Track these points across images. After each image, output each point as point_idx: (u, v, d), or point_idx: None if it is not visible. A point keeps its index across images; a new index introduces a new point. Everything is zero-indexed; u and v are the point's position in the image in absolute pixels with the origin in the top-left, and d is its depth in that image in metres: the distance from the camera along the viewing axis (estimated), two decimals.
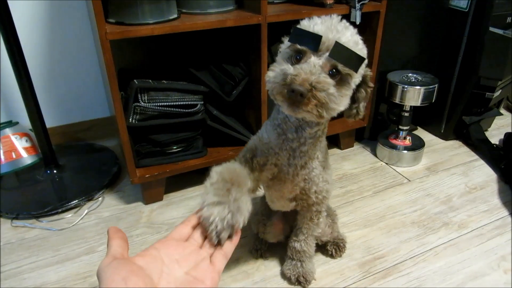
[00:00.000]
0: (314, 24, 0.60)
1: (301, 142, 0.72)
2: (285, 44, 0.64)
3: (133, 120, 1.09)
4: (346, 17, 1.19)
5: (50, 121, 1.45)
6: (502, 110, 1.79)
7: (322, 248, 1.02)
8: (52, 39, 1.37)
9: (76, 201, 1.20)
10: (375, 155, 1.47)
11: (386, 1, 1.23)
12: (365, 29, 1.31)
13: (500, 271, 0.97)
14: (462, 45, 1.38)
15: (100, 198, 1.24)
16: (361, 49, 0.61)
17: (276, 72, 0.60)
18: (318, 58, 0.58)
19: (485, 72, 1.38)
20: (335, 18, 0.61)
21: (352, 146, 1.53)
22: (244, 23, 1.07)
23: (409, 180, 1.33)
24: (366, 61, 0.64)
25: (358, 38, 0.61)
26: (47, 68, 1.41)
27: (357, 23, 1.19)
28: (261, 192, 0.90)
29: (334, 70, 0.59)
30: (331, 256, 1.01)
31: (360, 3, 1.19)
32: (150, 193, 1.21)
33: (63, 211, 1.18)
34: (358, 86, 0.66)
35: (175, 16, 1.04)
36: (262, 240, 1.02)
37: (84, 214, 1.18)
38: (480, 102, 1.46)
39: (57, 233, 1.11)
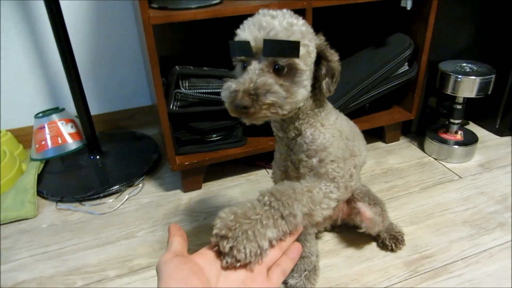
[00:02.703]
0: (242, 31, 0.60)
1: (294, 134, 0.72)
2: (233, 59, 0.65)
3: (174, 107, 1.08)
4: (396, 1, 1.13)
5: (94, 109, 1.48)
6: None
7: (379, 242, 0.99)
8: (97, 27, 1.40)
9: (117, 186, 1.22)
10: (423, 150, 1.38)
11: None
12: (416, 16, 1.23)
13: None
14: None
15: (140, 185, 1.25)
16: (295, 31, 0.59)
17: (225, 92, 0.60)
18: (258, 62, 0.59)
19: None
20: (260, 13, 0.60)
21: (398, 140, 1.45)
22: (288, 8, 1.03)
23: (460, 177, 1.24)
24: (310, 36, 0.62)
25: (289, 20, 0.59)
26: (92, 56, 1.44)
27: (408, 8, 1.12)
28: None
29: (278, 65, 0.59)
30: (392, 250, 0.97)
31: None
32: (189, 181, 1.20)
33: (104, 196, 1.20)
34: (319, 63, 0.65)
35: (218, 1, 1.02)
36: None
37: (124, 200, 1.19)
38: None
39: (99, 217, 1.13)
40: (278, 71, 0.59)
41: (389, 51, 1.23)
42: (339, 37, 1.31)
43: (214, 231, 0.48)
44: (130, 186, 1.24)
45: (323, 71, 0.65)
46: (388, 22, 1.34)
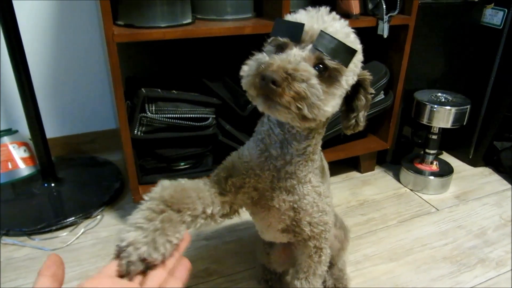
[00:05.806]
0: (298, 14, 0.53)
1: (286, 161, 0.60)
2: (269, 40, 0.56)
3: (139, 132, 1.00)
4: (373, 29, 1.11)
5: (51, 131, 1.37)
6: None
7: None
8: (57, 44, 1.30)
9: (73, 218, 1.10)
10: (398, 180, 1.35)
11: (416, 15, 1.15)
12: (391, 44, 1.22)
13: None
14: (495, 65, 1.28)
15: (98, 216, 1.14)
16: (352, 42, 0.53)
17: (250, 64, 0.51)
18: (301, 50, 0.50)
19: None
20: (323, 9, 0.53)
21: (373, 170, 1.41)
22: (263, 31, 0.98)
23: (437, 209, 1.21)
24: (360, 57, 0.55)
25: (349, 30, 0.54)
26: (50, 74, 1.34)
27: (385, 36, 1.10)
28: None
29: (320, 66, 0.50)
30: None
31: (388, 15, 1.11)
32: None
33: (57, 229, 1.08)
34: (356, 93, 0.58)
35: (189, 20, 0.96)
36: (271, 270, 0.91)
37: (80, 233, 1.07)
38: None
39: (49, 253, 1.01)
40: (317, 71, 0.50)
41: None
42: None
43: None
44: (88, 217, 1.13)
45: (363, 101, 0.58)
46: (364, 50, 1.32)
